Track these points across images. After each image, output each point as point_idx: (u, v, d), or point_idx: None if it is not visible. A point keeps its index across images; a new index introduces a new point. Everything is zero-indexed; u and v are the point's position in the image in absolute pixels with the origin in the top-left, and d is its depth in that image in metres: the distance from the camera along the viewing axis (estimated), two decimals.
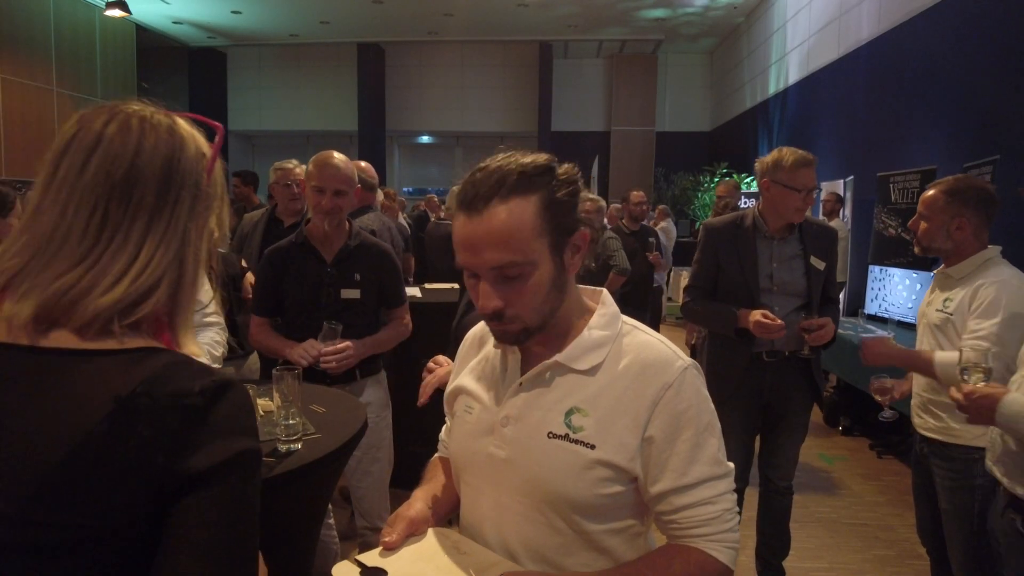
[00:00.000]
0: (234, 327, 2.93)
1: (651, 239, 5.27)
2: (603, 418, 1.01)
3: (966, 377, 1.78)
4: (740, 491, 2.79)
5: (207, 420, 0.72)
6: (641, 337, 1.07)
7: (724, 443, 2.89)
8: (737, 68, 12.36)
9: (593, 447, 1.00)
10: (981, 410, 1.67)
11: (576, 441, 1.00)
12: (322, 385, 2.27)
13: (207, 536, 0.70)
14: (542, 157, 1.01)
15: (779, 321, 2.45)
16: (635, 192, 5.21)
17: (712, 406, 1.05)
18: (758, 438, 2.85)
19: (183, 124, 0.85)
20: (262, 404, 1.64)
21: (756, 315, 2.46)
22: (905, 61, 6.26)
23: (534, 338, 1.05)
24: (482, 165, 1.00)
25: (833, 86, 8.02)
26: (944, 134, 5.51)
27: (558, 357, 1.04)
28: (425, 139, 15.92)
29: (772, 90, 10.26)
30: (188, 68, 14.35)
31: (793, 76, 9.38)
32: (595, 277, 4.44)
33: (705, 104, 14.52)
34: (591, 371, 1.04)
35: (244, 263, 3.10)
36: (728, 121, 12.93)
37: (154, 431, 0.69)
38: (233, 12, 12.06)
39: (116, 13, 9.60)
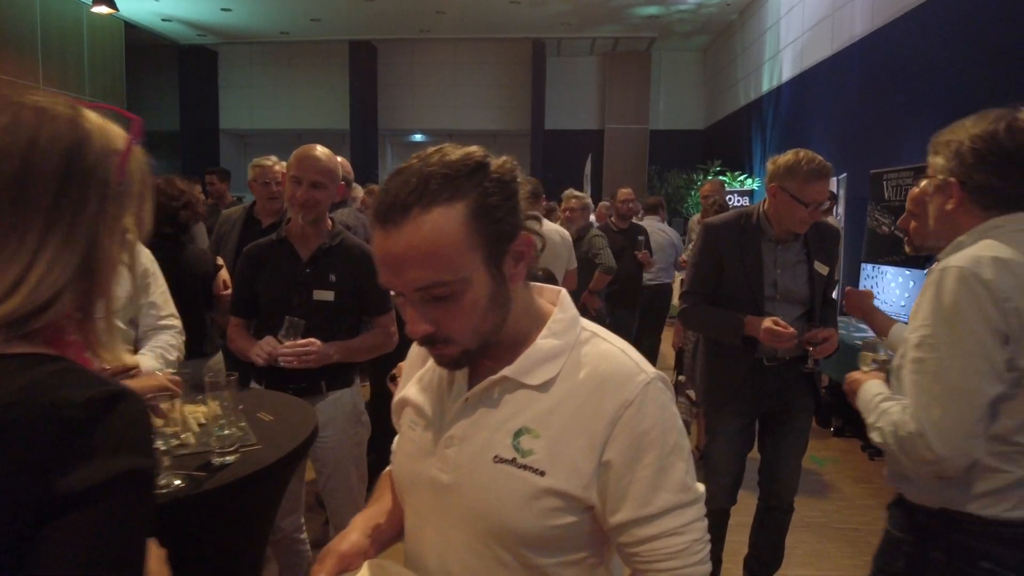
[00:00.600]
0: (202, 325, 2.83)
1: (640, 237, 5.18)
2: (555, 440, 0.90)
3: (860, 365, 1.79)
4: (732, 498, 2.68)
5: (89, 435, 0.64)
6: (601, 346, 0.96)
7: (720, 451, 2.74)
8: (731, 65, 12.29)
9: (543, 473, 0.89)
10: (851, 394, 1.66)
11: (524, 467, 0.90)
12: (284, 393, 2.17)
13: (79, 563, 0.62)
14: (475, 153, 0.89)
15: (791, 329, 2.33)
16: (623, 190, 5.12)
17: (680, 424, 0.94)
18: (756, 450, 2.75)
19: (92, 117, 0.78)
20: (196, 412, 1.54)
21: (767, 322, 2.34)
22: (899, 58, 6.20)
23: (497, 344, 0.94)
24: (403, 166, 0.88)
25: (826, 83, 7.95)
26: (937, 131, 5.43)
27: (506, 371, 0.93)
28: (418, 137, 15.83)
29: (766, 87, 10.19)
30: (178, 66, 14.23)
31: (787, 73, 9.32)
32: (581, 276, 4.36)
33: (699, 102, 14.44)
34: (544, 386, 0.93)
35: (220, 260, 3.03)
36: (722, 119, 12.86)
37: (25, 445, 0.62)
38: (223, 9, 11.95)
39: (103, 10, 9.49)
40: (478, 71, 14.69)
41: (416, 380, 1.07)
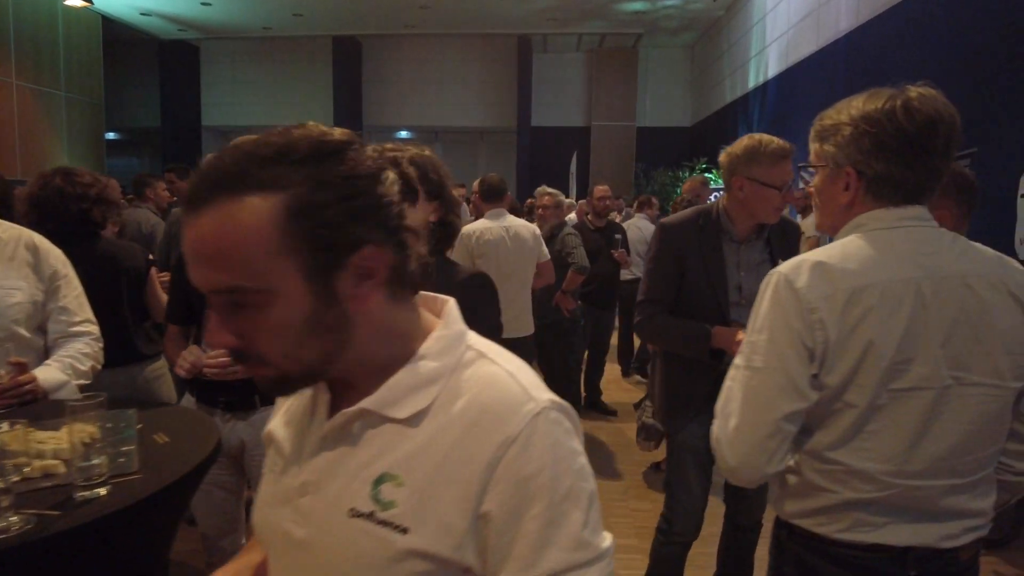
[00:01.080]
0: (126, 326, 2.59)
1: (617, 236, 5.04)
2: (422, 488, 0.74)
3: None
4: (697, 530, 2.45)
5: None
6: (485, 369, 0.78)
7: (684, 473, 2.39)
8: (717, 62, 12.19)
9: (406, 531, 0.73)
10: None
11: (384, 522, 0.74)
12: (215, 410, 2.02)
13: None
14: (329, 136, 0.72)
15: None
16: (599, 187, 4.97)
17: (581, 463, 0.77)
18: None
19: None
20: (83, 433, 1.33)
21: (741, 334, 2.08)
22: (884, 53, 6.12)
23: (339, 378, 0.79)
24: (236, 141, 0.73)
25: (812, 79, 7.87)
26: None
27: (366, 403, 0.77)
28: (403, 134, 15.65)
29: (752, 84, 10.10)
30: (159, 62, 14.03)
31: (772, 70, 9.22)
32: (556, 274, 4.22)
33: (686, 99, 14.34)
34: (413, 420, 0.76)
35: (153, 255, 2.80)
36: (709, 116, 12.76)
37: None
38: (203, 4, 11.75)
39: (76, 2, 9.31)
40: (464, 67, 14.53)
41: (284, 411, 0.90)
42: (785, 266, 1.23)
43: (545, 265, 3.99)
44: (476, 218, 4.21)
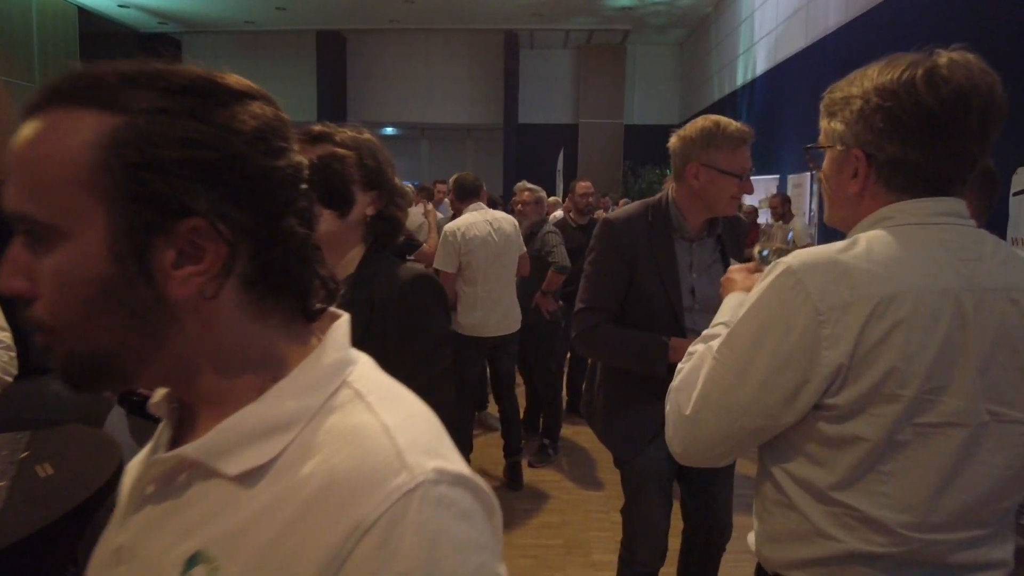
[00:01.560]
0: None
1: None
2: None
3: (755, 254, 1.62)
4: (664, 555, 2.20)
5: None
6: (354, 419, 0.57)
7: (646, 506, 2.06)
8: (706, 59, 12.07)
9: None
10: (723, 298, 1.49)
11: None
12: (148, 423, 1.82)
13: None
14: (224, 81, 0.58)
15: None
16: (581, 183, 4.80)
17: (480, 562, 0.54)
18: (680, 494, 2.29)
19: None
20: None
21: None
22: (873, 49, 5.93)
23: (193, 396, 0.60)
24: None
25: (801, 76, 7.75)
26: None
27: (189, 448, 0.57)
28: (389, 131, 15.45)
29: (740, 81, 9.98)
30: (139, 56, 13.69)
31: (761, 67, 9.10)
32: (535, 275, 4.06)
33: (674, 96, 14.23)
34: (247, 479, 0.55)
35: None
36: (697, 113, 12.57)
37: None
38: None
39: None
40: (450, 63, 14.34)
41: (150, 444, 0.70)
42: (796, 259, 0.99)
43: (522, 258, 3.91)
44: (455, 215, 4.04)
